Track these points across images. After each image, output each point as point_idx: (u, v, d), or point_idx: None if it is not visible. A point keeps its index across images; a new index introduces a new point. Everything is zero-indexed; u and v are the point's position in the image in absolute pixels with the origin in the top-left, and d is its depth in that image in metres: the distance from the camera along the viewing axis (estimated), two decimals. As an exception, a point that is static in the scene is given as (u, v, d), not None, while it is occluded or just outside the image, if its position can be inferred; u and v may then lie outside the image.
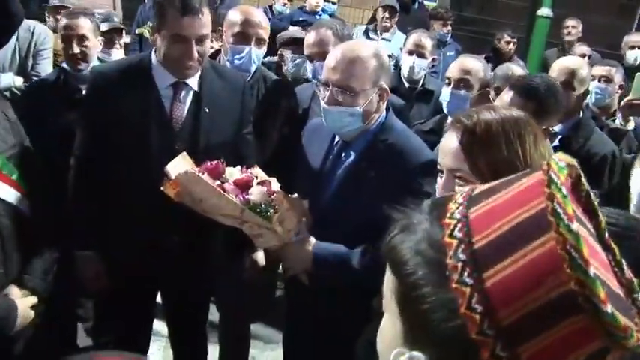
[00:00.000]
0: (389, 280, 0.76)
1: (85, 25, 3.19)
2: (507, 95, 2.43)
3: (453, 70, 3.18)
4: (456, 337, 0.65)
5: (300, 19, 6.24)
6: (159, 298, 2.92)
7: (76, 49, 3.15)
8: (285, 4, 6.73)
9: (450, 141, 1.56)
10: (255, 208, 2.10)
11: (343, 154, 2.26)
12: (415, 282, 0.69)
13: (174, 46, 2.35)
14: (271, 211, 2.11)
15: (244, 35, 2.88)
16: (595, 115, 3.79)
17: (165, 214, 2.41)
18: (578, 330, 0.63)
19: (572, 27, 6.84)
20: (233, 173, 2.17)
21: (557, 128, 3.01)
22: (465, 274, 0.66)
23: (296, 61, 3.59)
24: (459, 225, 0.69)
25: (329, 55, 2.23)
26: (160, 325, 3.35)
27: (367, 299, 1.85)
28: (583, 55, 5.26)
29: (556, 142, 2.94)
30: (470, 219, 0.69)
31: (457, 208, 0.72)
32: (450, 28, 6.54)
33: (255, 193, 2.11)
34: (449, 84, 3.16)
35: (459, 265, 0.66)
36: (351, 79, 2.12)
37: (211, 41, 3.65)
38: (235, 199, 2.09)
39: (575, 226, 0.63)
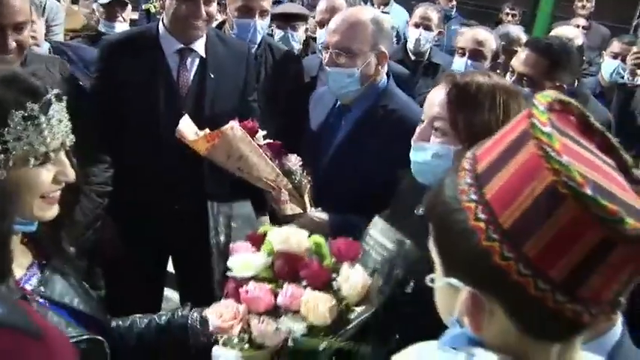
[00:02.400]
0: (430, 235, 0.86)
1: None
2: (523, 53, 2.58)
3: (467, 42, 3.24)
4: (472, 252, 0.74)
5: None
6: (170, 268, 2.98)
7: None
8: None
9: (439, 92, 1.62)
10: (289, 174, 2.18)
11: (343, 120, 2.33)
12: (439, 215, 0.80)
13: (183, 4, 2.40)
14: (304, 180, 2.19)
15: (248, 8, 2.94)
16: (605, 90, 3.83)
17: (173, 177, 2.50)
18: (570, 220, 0.68)
19: (587, 1, 6.80)
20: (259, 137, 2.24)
21: (553, 97, 3.10)
22: (471, 192, 0.76)
23: (281, 35, 3.67)
24: (469, 160, 0.80)
25: (331, 20, 2.33)
26: (170, 293, 3.45)
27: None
28: (578, 26, 5.29)
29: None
30: (476, 154, 0.80)
31: (470, 151, 0.83)
32: (454, 2, 6.57)
33: (292, 161, 2.20)
34: (462, 55, 3.22)
35: (466, 187, 0.77)
36: (349, 42, 2.22)
37: (220, 12, 3.74)
38: (272, 162, 2.16)
39: (548, 128, 0.70)
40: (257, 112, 2.68)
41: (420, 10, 4.25)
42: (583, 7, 6.77)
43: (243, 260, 1.58)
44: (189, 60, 2.54)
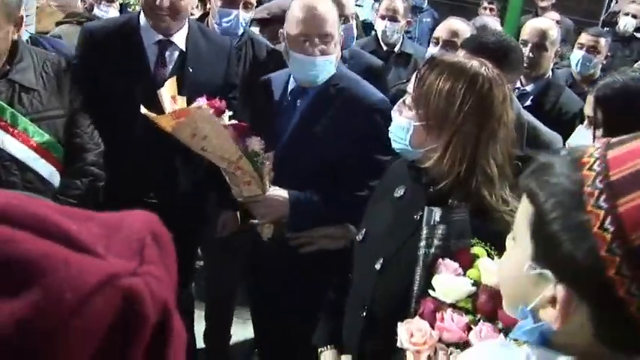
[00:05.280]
0: (524, 209, 0.84)
1: None
2: (460, 53, 2.42)
3: (442, 31, 3.23)
4: (585, 256, 0.73)
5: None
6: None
7: None
8: None
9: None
10: (251, 156, 2.18)
11: (298, 101, 2.37)
12: (552, 206, 0.77)
13: None
14: (266, 162, 2.21)
15: None
16: (577, 83, 3.88)
17: (148, 168, 2.49)
18: None
19: None
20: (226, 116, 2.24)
21: (528, 88, 3.12)
22: (601, 199, 0.74)
23: None
24: (598, 161, 0.77)
25: (297, 11, 2.32)
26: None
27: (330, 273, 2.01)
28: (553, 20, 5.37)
29: (528, 102, 3.03)
30: (608, 158, 0.77)
31: (595, 150, 0.79)
32: (424, -10, 6.64)
33: (254, 143, 2.20)
34: (436, 44, 3.24)
35: (596, 192, 0.74)
36: (331, 28, 2.27)
37: (197, 7, 3.71)
38: (235, 144, 2.16)
39: None
40: (238, 109, 2.64)
41: (385, 2, 4.25)
42: None
43: (448, 283, 1.44)
44: (168, 52, 2.52)
